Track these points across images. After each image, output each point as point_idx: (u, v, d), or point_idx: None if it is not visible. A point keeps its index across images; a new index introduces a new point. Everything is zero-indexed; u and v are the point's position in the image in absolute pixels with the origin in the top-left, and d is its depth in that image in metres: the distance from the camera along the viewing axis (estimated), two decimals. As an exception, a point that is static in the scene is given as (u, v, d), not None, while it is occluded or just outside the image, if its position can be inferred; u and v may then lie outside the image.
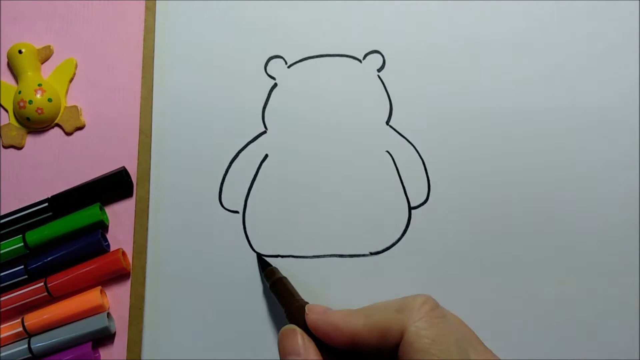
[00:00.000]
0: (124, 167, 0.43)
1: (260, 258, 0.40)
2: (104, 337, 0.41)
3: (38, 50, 0.46)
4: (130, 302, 0.41)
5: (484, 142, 0.41)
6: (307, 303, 0.34)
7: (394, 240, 0.40)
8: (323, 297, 0.39)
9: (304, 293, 0.40)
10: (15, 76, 0.46)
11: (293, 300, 0.34)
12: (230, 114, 0.43)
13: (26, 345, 0.40)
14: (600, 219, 0.39)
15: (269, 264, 0.39)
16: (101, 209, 0.43)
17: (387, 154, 0.41)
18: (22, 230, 0.42)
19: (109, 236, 0.43)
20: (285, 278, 0.37)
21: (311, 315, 0.31)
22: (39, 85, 0.45)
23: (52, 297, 0.41)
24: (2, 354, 0.40)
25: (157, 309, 0.40)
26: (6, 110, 0.46)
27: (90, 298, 0.41)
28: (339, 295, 0.39)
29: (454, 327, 0.29)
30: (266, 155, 0.42)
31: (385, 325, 0.29)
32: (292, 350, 0.31)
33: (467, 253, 0.39)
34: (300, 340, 0.31)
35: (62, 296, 0.41)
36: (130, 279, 0.41)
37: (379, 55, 0.43)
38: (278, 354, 0.31)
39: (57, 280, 0.41)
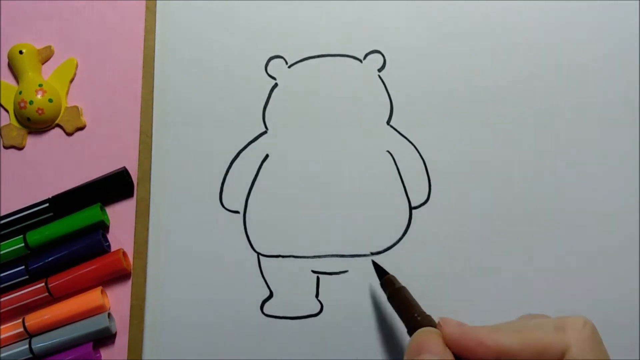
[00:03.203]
0: (124, 167, 0.43)
1: (377, 265, 0.37)
2: (105, 338, 0.41)
3: (38, 50, 0.46)
4: (131, 302, 0.41)
5: (485, 142, 0.41)
6: (430, 317, 0.32)
7: (394, 241, 0.40)
8: (324, 297, 0.40)
9: (305, 294, 0.40)
10: (16, 76, 0.46)
11: (415, 314, 0.32)
12: (231, 114, 0.43)
13: (27, 346, 0.40)
14: (601, 219, 0.39)
15: (386, 272, 0.36)
16: (102, 209, 0.43)
17: (387, 153, 0.41)
18: (23, 231, 0.42)
19: (109, 236, 0.43)
20: (404, 288, 0.35)
21: (447, 329, 0.30)
22: (40, 85, 0.45)
23: (53, 298, 0.41)
24: (3, 355, 0.40)
25: (157, 309, 0.40)
26: (7, 111, 0.46)
27: (91, 298, 0.41)
28: (340, 295, 0.39)
29: (607, 353, 0.29)
30: (267, 155, 0.42)
31: (544, 344, 0.28)
32: (433, 350, 0.29)
33: (468, 253, 0.39)
34: (441, 343, 0.29)
35: (63, 296, 0.41)
36: (131, 279, 0.41)
37: (379, 55, 0.43)
38: (407, 353, 0.30)
39: (57, 280, 0.41)
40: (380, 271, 0.37)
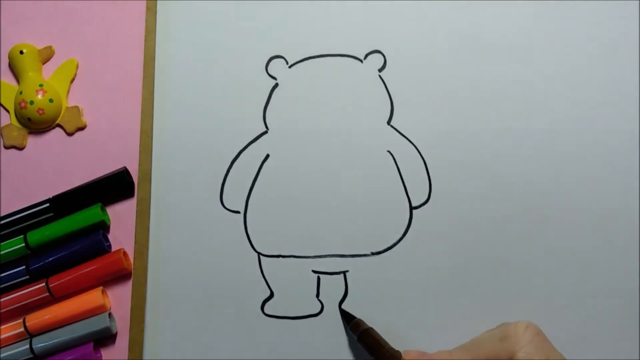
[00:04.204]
0: (125, 167, 0.43)
1: (344, 311, 0.39)
2: (106, 338, 0.41)
3: (39, 50, 0.46)
4: (132, 302, 0.41)
5: (485, 141, 0.41)
6: (397, 351, 0.35)
7: (395, 240, 0.40)
8: (324, 297, 0.40)
9: (306, 294, 0.40)
10: (17, 77, 0.46)
11: (384, 350, 0.35)
12: (232, 114, 0.43)
13: (28, 346, 0.40)
14: (601, 218, 0.39)
15: (353, 317, 0.38)
16: (102, 209, 0.43)
17: (388, 153, 0.41)
18: (24, 231, 0.42)
19: (110, 236, 0.43)
20: (372, 329, 0.37)
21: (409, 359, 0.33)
22: (40, 85, 0.45)
23: (53, 298, 0.41)
24: (4, 355, 0.40)
25: (158, 309, 0.40)
26: (7, 111, 0.46)
27: (91, 298, 0.41)
28: (340, 295, 0.39)
29: (556, 350, 0.30)
30: (267, 155, 0.42)
31: (492, 355, 0.30)
32: None
33: (468, 253, 0.39)
34: None
35: (64, 296, 0.41)
36: (131, 279, 0.41)
37: (380, 55, 0.43)
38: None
39: (58, 280, 0.41)
40: (347, 316, 0.38)
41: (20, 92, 0.45)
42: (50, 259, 0.42)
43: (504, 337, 0.30)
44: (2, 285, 0.42)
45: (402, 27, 0.43)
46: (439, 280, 0.39)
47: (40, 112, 0.44)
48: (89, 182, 0.43)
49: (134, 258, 0.41)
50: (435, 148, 0.41)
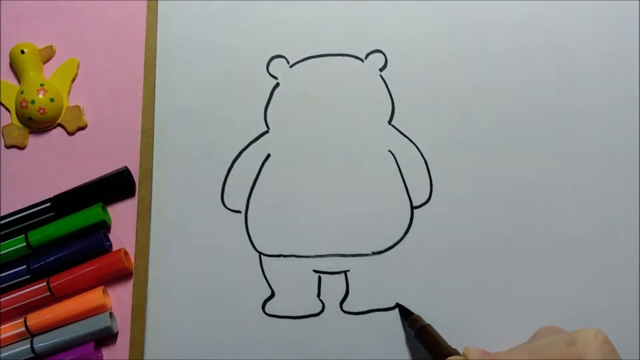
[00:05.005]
0: (126, 167, 0.43)
1: (402, 307, 0.39)
2: (107, 337, 0.41)
3: (40, 50, 0.46)
4: (133, 301, 0.41)
5: (486, 141, 0.41)
6: (454, 349, 0.35)
7: (396, 240, 0.40)
8: (325, 296, 0.40)
9: (307, 293, 0.40)
10: (18, 76, 0.46)
11: (440, 347, 0.35)
12: (232, 114, 0.43)
13: (29, 345, 0.40)
14: (602, 218, 0.39)
15: (411, 312, 0.38)
16: (103, 208, 0.43)
17: (389, 153, 0.41)
18: (25, 230, 0.42)
19: (111, 236, 0.43)
20: (429, 325, 0.37)
21: (471, 357, 0.32)
22: (41, 85, 0.45)
23: (54, 297, 0.41)
24: (5, 354, 0.40)
25: (159, 308, 0.40)
26: (8, 110, 0.46)
27: (92, 298, 0.41)
28: (341, 295, 0.39)
29: None
30: (268, 155, 0.42)
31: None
32: None
33: (469, 253, 0.39)
34: None
35: (65, 296, 0.41)
36: (132, 278, 0.41)
37: (381, 55, 0.43)
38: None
39: (59, 280, 0.41)
40: (405, 312, 0.38)
41: (21, 92, 0.45)
42: (51, 259, 0.42)
43: (572, 342, 0.30)
44: (3, 285, 0.42)
45: (403, 26, 0.43)
46: (440, 280, 0.39)
47: (41, 111, 0.44)
48: (90, 181, 0.43)
49: (135, 257, 0.41)
50: (436, 147, 0.41)
